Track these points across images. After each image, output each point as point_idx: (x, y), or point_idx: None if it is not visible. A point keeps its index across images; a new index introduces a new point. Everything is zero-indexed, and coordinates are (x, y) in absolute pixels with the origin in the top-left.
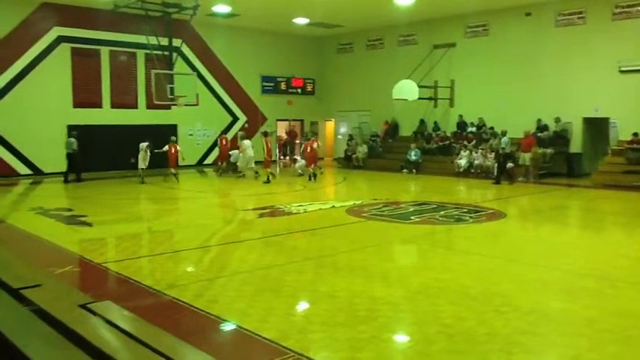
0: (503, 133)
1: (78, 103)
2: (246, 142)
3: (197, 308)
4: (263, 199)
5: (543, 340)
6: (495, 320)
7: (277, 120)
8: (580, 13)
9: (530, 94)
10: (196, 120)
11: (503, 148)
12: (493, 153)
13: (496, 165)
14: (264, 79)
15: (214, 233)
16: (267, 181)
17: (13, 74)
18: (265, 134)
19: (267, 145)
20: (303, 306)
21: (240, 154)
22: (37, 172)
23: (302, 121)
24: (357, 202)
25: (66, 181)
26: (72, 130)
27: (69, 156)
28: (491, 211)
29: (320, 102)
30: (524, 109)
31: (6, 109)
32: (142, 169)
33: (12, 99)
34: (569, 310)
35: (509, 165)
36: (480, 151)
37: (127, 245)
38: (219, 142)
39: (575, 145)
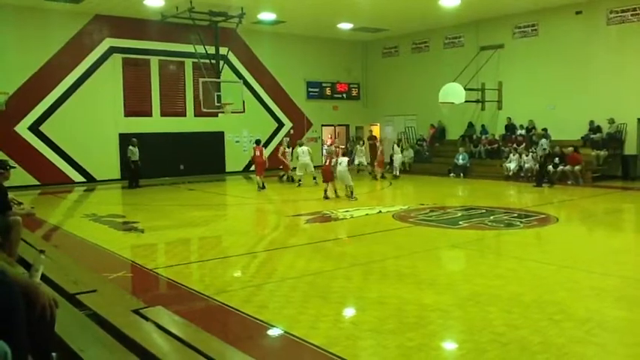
0: (544, 135)
1: (129, 112)
2: (302, 148)
3: (246, 314)
4: (310, 205)
5: (601, 350)
6: (550, 329)
7: (322, 125)
8: (634, 9)
9: (581, 95)
10: (242, 127)
11: (544, 149)
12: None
13: (537, 167)
14: (310, 84)
15: (262, 239)
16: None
17: (68, 85)
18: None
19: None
20: (351, 312)
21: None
22: (90, 179)
23: (347, 126)
24: (403, 207)
25: (131, 187)
26: (128, 138)
27: (130, 163)
28: (542, 216)
29: (365, 106)
30: (575, 110)
31: (61, 119)
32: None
33: (66, 109)
34: (628, 319)
35: (551, 168)
36: (531, 154)
37: (178, 251)
38: (252, 152)
39: (630, 147)
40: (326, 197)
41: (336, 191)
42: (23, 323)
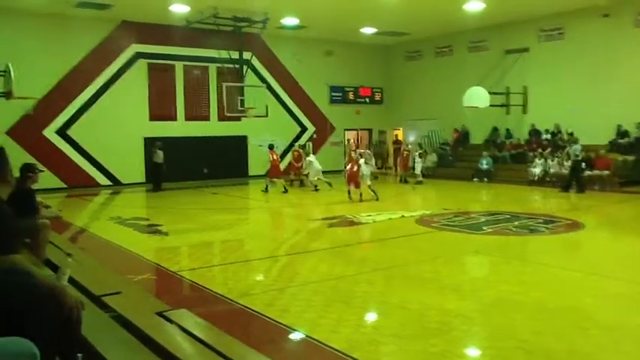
0: (575, 141)
1: (154, 116)
2: (310, 157)
3: (268, 317)
4: (332, 209)
5: (629, 358)
6: (576, 336)
7: (345, 129)
8: None
9: (608, 98)
10: (265, 131)
11: (577, 156)
12: (570, 160)
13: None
14: (332, 89)
15: (284, 243)
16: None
17: (94, 89)
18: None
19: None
20: (373, 317)
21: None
22: (115, 182)
23: (370, 130)
24: (426, 212)
25: (154, 190)
26: (153, 142)
27: (154, 166)
28: (568, 222)
29: (388, 111)
30: (602, 114)
31: (87, 123)
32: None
33: (93, 113)
34: None
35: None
36: (557, 158)
37: (201, 254)
38: (269, 156)
39: None
40: (350, 198)
41: (361, 195)
42: (51, 325)
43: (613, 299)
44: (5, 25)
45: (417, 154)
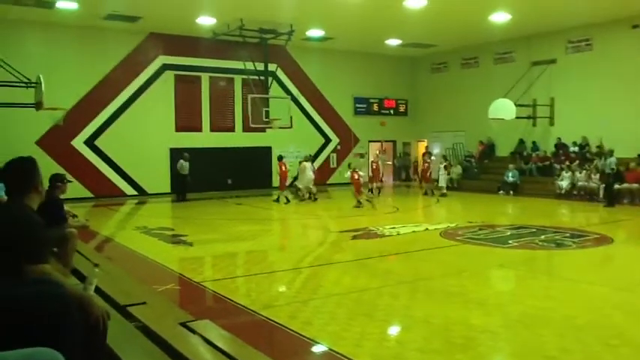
0: (610, 153)
1: (180, 127)
2: (306, 163)
3: (291, 330)
4: (355, 221)
5: None
6: (605, 354)
7: (369, 141)
8: None
9: (637, 110)
10: (290, 142)
11: (612, 169)
12: (598, 174)
13: (603, 186)
14: (357, 100)
15: (307, 254)
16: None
17: (122, 100)
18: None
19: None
20: (397, 331)
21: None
22: (141, 192)
23: (394, 142)
24: (451, 225)
25: (179, 200)
26: (179, 152)
27: (179, 176)
28: (596, 236)
29: (413, 122)
30: (631, 126)
31: (115, 133)
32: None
33: (120, 124)
34: None
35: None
36: (585, 171)
37: (225, 265)
38: (278, 167)
39: None
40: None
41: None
42: (78, 335)
43: None
44: (37, 38)
45: (442, 166)
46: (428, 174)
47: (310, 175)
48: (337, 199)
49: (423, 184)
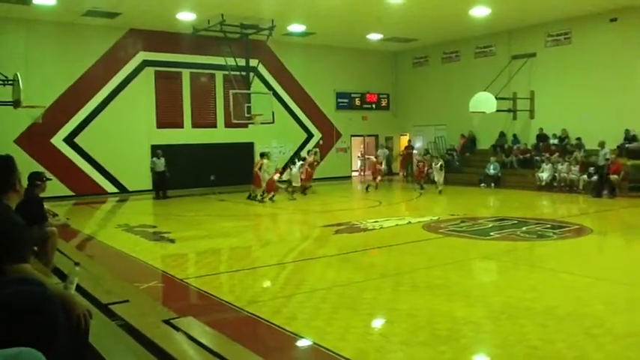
0: (602, 145)
1: (161, 124)
2: (266, 161)
3: (276, 325)
4: (338, 215)
5: None
6: (586, 343)
7: (352, 136)
8: None
9: (616, 103)
10: (272, 138)
11: (607, 160)
12: (578, 165)
13: (596, 178)
14: (339, 95)
15: (291, 250)
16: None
17: (102, 97)
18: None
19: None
20: (381, 324)
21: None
22: (122, 190)
23: (376, 136)
24: (434, 218)
25: (157, 197)
26: (156, 149)
27: (154, 174)
28: (576, 227)
29: (394, 117)
30: (610, 119)
31: (95, 131)
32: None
33: (100, 121)
34: None
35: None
36: (565, 163)
37: (208, 261)
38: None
39: None
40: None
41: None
42: (61, 335)
43: (623, 305)
44: (15, 35)
45: (437, 166)
46: (422, 171)
47: (267, 174)
48: (322, 194)
49: (416, 180)
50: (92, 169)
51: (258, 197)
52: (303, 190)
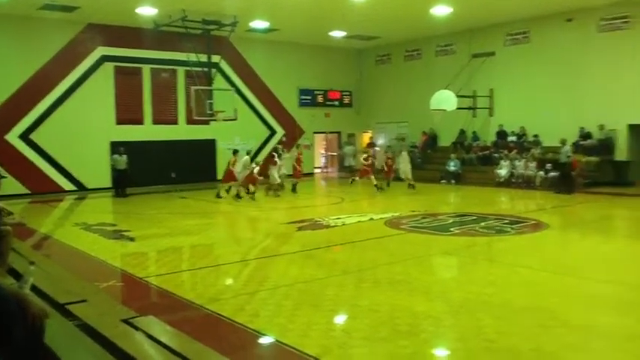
0: (563, 142)
1: (121, 120)
2: (245, 158)
3: (238, 323)
4: (301, 212)
5: (594, 356)
6: (541, 335)
7: (314, 132)
8: (624, 17)
9: (572, 101)
10: (234, 134)
11: (568, 157)
12: (535, 162)
13: (553, 174)
14: (302, 92)
15: (254, 247)
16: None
17: (59, 93)
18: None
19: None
20: (343, 320)
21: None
22: (81, 187)
23: (339, 133)
24: (395, 214)
25: (117, 195)
26: (120, 146)
27: (114, 171)
28: (533, 222)
29: (357, 114)
30: (566, 116)
31: (52, 127)
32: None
33: (58, 117)
34: (622, 325)
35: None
36: (524, 160)
37: (169, 259)
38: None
39: (621, 153)
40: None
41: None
42: (15, 335)
43: (578, 298)
44: None
45: (404, 154)
46: (391, 169)
47: (239, 168)
48: (285, 191)
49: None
50: (49, 166)
51: (240, 194)
52: (293, 187)
